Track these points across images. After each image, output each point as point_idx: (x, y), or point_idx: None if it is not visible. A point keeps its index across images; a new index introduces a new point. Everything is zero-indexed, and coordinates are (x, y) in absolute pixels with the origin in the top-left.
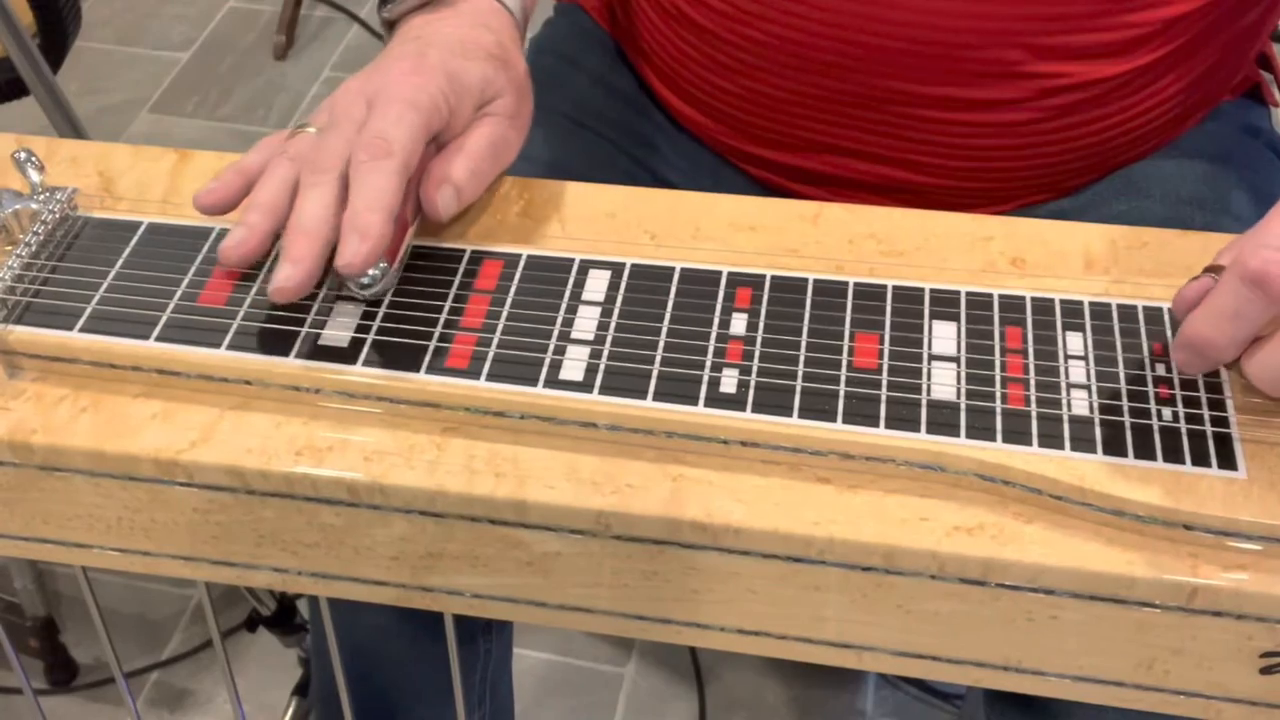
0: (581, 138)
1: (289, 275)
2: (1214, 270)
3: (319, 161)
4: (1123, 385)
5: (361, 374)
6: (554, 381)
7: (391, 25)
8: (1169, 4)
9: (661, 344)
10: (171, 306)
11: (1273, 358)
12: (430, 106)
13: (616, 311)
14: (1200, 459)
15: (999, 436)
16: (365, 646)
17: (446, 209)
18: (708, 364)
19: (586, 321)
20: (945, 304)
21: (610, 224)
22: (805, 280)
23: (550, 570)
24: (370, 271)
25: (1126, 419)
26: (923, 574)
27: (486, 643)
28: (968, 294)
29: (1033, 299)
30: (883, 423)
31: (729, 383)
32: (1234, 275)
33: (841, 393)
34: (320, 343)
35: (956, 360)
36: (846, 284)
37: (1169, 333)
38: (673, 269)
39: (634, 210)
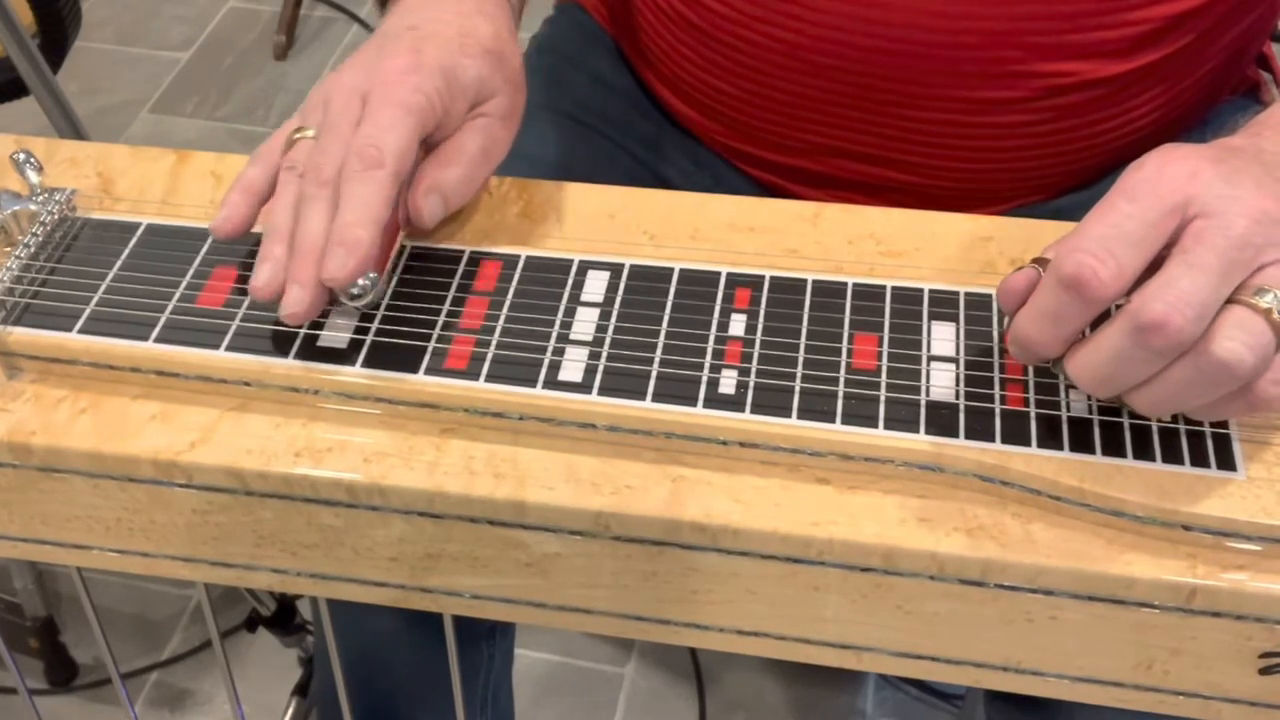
0: (584, 137)
1: (299, 299)
2: (1040, 262)
3: (318, 172)
4: None
5: (360, 375)
6: (553, 382)
7: (385, 2)
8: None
9: (660, 345)
10: (170, 308)
11: (1089, 358)
12: (425, 107)
13: (615, 312)
14: (1199, 459)
15: (998, 437)
16: (370, 652)
17: (432, 217)
18: (706, 365)
19: (585, 322)
20: (944, 304)
21: (609, 225)
22: (804, 281)
23: (549, 571)
24: (360, 282)
25: (1125, 419)
26: (922, 574)
27: (490, 648)
28: (966, 294)
29: None
30: (882, 423)
31: (728, 383)
32: (1052, 277)
33: (840, 393)
34: (319, 344)
35: (955, 361)
36: (845, 284)
37: None
38: (672, 270)
39: (633, 211)
